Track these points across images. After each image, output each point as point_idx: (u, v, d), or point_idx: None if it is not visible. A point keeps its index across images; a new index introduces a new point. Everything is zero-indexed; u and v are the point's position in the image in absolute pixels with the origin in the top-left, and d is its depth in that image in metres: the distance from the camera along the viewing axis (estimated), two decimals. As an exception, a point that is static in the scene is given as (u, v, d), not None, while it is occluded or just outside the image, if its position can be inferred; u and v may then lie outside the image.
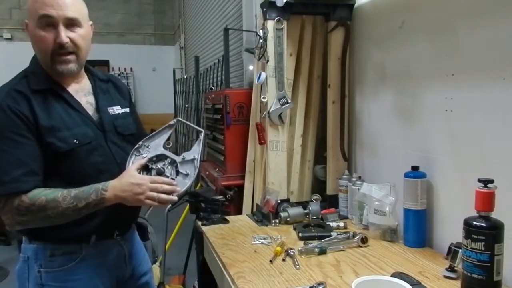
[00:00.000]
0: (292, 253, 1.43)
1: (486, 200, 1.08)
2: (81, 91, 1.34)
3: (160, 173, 1.28)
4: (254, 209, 2.12)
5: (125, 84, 1.52)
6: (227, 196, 1.92)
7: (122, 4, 8.37)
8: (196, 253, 1.85)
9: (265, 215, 1.84)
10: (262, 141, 1.95)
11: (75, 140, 1.24)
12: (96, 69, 1.44)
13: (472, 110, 1.33)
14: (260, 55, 1.90)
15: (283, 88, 1.90)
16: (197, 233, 1.82)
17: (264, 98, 1.90)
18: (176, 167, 1.30)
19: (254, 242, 1.58)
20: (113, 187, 1.21)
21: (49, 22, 1.19)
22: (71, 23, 1.22)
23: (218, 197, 1.87)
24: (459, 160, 1.39)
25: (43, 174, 1.22)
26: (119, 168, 1.30)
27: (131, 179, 1.22)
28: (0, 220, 1.23)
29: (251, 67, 2.86)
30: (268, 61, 1.87)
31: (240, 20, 3.56)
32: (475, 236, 1.08)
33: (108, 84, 1.44)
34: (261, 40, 1.87)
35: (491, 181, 1.09)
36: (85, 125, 1.29)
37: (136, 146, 1.32)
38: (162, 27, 8.68)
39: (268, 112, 1.89)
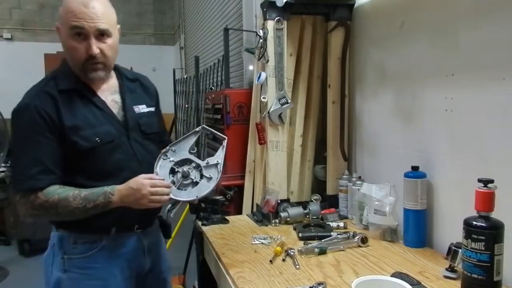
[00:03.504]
0: (292, 253, 1.43)
1: (486, 200, 1.08)
2: (108, 90, 1.38)
3: (185, 175, 1.36)
4: (254, 209, 2.12)
5: (153, 84, 1.57)
6: (227, 196, 1.92)
7: (122, 4, 8.36)
8: (196, 253, 1.85)
9: (265, 215, 1.84)
10: (262, 141, 1.95)
11: (96, 139, 1.29)
12: (125, 69, 1.48)
13: (472, 110, 1.33)
14: (260, 55, 1.90)
15: (283, 88, 1.90)
16: (197, 233, 1.82)
17: (264, 98, 1.90)
18: (201, 171, 1.38)
19: (254, 242, 1.58)
20: (119, 192, 1.27)
21: (80, 33, 1.24)
22: (101, 34, 1.26)
23: (218, 197, 1.87)
24: (459, 160, 1.39)
25: (68, 171, 1.29)
26: (140, 165, 1.36)
27: (132, 184, 1.27)
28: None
29: (251, 67, 2.86)
30: (268, 61, 1.87)
31: (240, 20, 3.56)
32: (475, 236, 1.07)
33: (135, 83, 1.48)
34: (261, 40, 1.87)
35: (491, 181, 1.09)
36: (109, 124, 1.34)
37: (164, 150, 1.39)
38: (162, 27, 8.68)
39: (268, 112, 1.89)
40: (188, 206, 2.12)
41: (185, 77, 6.46)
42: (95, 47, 1.25)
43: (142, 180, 1.27)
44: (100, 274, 1.36)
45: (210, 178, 1.37)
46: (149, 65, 8.25)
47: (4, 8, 7.78)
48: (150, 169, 1.35)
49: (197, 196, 1.35)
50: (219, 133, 1.54)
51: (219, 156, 1.40)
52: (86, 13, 1.23)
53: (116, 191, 1.27)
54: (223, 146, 1.42)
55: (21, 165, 1.26)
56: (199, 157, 1.42)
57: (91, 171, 1.31)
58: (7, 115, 4.73)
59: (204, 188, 1.36)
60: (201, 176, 1.38)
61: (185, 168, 1.37)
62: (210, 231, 1.75)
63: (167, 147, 1.39)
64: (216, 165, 1.39)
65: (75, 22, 1.22)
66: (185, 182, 1.36)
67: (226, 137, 1.46)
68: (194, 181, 1.37)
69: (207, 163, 1.39)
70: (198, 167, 1.39)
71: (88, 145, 1.28)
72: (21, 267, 3.79)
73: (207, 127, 1.51)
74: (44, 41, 7.86)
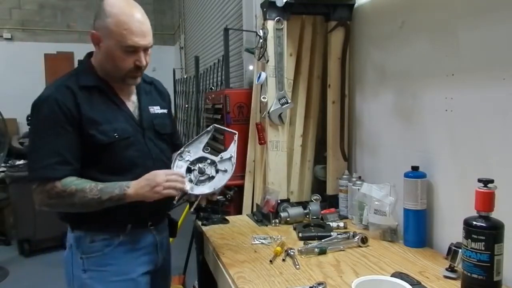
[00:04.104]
0: (292, 253, 1.43)
1: (486, 200, 1.08)
2: (126, 89, 1.43)
3: (201, 172, 1.43)
4: (254, 209, 2.12)
5: (166, 89, 1.64)
6: (227, 196, 1.92)
7: (122, 4, 8.36)
8: (196, 253, 1.85)
9: (265, 215, 1.84)
10: (262, 141, 1.95)
11: (115, 134, 1.33)
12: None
13: (472, 110, 1.33)
14: (260, 55, 1.90)
15: (283, 88, 1.90)
16: (197, 233, 1.82)
17: (264, 98, 1.90)
18: (216, 166, 1.44)
19: (254, 242, 1.58)
20: (134, 185, 1.30)
21: (133, 50, 1.30)
22: (147, 48, 1.34)
23: (218, 197, 1.87)
24: (459, 160, 1.39)
25: (83, 164, 1.33)
26: (154, 163, 1.40)
27: (146, 176, 1.31)
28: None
29: (251, 67, 2.86)
30: (268, 61, 1.87)
31: (240, 20, 3.56)
32: (475, 236, 1.08)
33: (151, 86, 1.54)
34: (261, 40, 1.87)
35: (491, 181, 1.09)
36: (125, 122, 1.38)
37: (179, 152, 1.45)
38: (162, 27, 8.68)
39: (268, 112, 1.89)
40: (188, 206, 2.12)
41: (185, 77, 6.47)
42: (144, 59, 1.33)
43: (156, 171, 1.32)
44: (120, 270, 1.38)
45: (225, 171, 1.43)
46: (149, 65, 8.25)
47: (4, 8, 7.78)
48: (163, 167, 1.39)
49: (214, 188, 1.39)
50: (229, 129, 1.58)
51: (231, 150, 1.46)
52: (141, 32, 1.29)
53: (131, 184, 1.30)
54: (235, 140, 1.48)
55: (39, 155, 1.28)
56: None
57: (107, 166, 1.34)
58: (7, 115, 4.72)
59: (221, 181, 1.41)
60: (217, 170, 1.43)
61: (201, 165, 1.43)
62: (210, 231, 1.75)
63: (182, 148, 1.45)
64: (229, 158, 1.44)
65: (131, 41, 1.27)
66: (201, 178, 1.42)
67: (236, 132, 1.51)
68: (210, 176, 1.42)
69: (221, 157, 1.45)
70: (213, 163, 1.44)
71: (107, 139, 1.32)
72: (21, 267, 3.79)
73: (217, 126, 1.55)
74: (44, 41, 7.87)
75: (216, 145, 2.66)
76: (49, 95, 1.30)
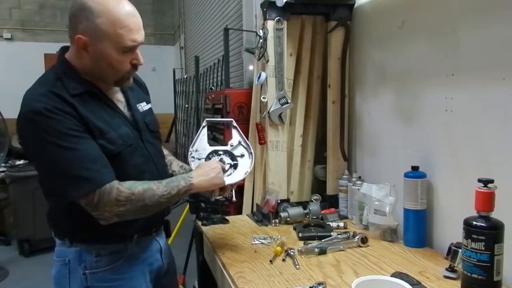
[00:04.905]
0: (292, 253, 1.43)
1: (486, 200, 1.08)
2: (111, 89, 1.31)
3: (223, 162, 1.45)
4: (254, 209, 2.12)
5: (141, 79, 1.49)
6: (227, 197, 1.92)
7: (122, 4, 8.35)
8: (196, 253, 1.85)
9: (265, 215, 1.84)
10: (262, 141, 1.95)
11: (122, 142, 1.23)
12: None
13: (472, 110, 1.33)
14: (260, 55, 1.90)
15: (283, 88, 1.90)
16: (197, 233, 1.82)
17: (264, 98, 1.90)
18: (231, 154, 1.47)
19: (254, 242, 1.58)
20: (196, 174, 1.30)
21: (130, 49, 1.19)
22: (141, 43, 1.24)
23: (218, 197, 1.87)
24: (459, 160, 1.39)
25: None
26: (156, 167, 1.34)
27: (209, 165, 1.35)
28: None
29: (251, 67, 2.86)
30: (268, 61, 1.87)
31: (240, 20, 3.56)
32: (475, 236, 1.08)
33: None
34: (261, 40, 1.87)
35: (491, 181, 1.09)
36: (124, 126, 1.27)
37: (189, 154, 1.47)
38: (162, 27, 8.68)
39: (268, 112, 1.89)
40: (188, 206, 2.12)
41: (185, 77, 6.46)
42: (141, 56, 1.24)
43: (212, 161, 1.36)
44: (128, 284, 1.31)
45: (243, 155, 1.46)
46: (149, 65, 8.25)
47: (4, 8, 7.78)
48: (163, 170, 1.36)
49: (246, 172, 1.43)
50: (223, 119, 1.60)
51: (236, 136, 1.50)
52: (137, 27, 1.19)
53: (192, 174, 1.28)
54: (234, 126, 1.52)
55: (79, 167, 1.12)
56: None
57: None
58: (7, 115, 4.73)
59: (246, 165, 1.44)
60: (233, 158, 1.46)
61: (219, 157, 1.45)
62: (210, 231, 1.75)
63: (190, 150, 1.46)
64: (239, 143, 1.49)
65: (130, 41, 1.17)
66: (226, 168, 1.43)
67: (232, 119, 1.55)
68: (233, 164, 1.44)
69: (232, 145, 1.48)
70: (225, 152, 1.47)
71: (115, 149, 1.21)
72: (21, 267, 3.79)
73: (210, 119, 1.58)
74: (44, 41, 7.87)
75: (217, 145, 2.66)
76: (45, 103, 1.12)
